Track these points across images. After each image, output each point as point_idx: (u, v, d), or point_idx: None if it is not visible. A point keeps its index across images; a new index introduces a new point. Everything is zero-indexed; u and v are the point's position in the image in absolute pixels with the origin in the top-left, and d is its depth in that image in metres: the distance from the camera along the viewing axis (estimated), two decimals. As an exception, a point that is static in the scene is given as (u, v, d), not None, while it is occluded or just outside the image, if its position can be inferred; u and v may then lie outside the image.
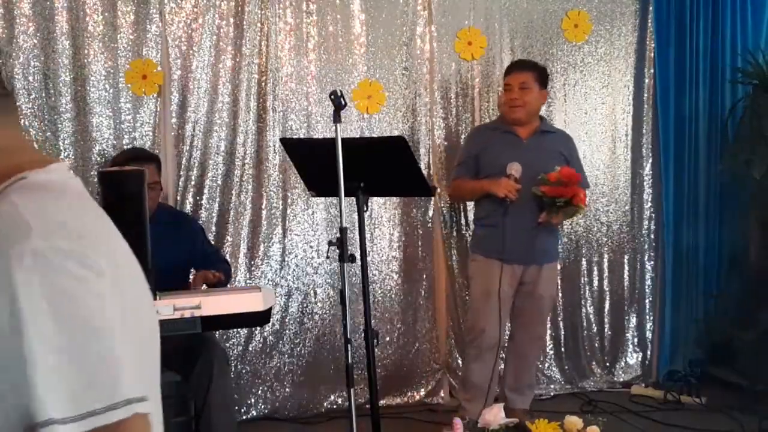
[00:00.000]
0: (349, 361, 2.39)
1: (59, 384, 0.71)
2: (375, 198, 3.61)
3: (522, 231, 3.17)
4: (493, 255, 3.22)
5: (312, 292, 3.70)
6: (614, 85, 4.03)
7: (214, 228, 3.54)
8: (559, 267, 3.87)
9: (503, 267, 3.17)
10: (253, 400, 3.60)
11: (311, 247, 3.69)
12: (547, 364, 3.99)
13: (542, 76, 3.34)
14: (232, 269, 3.47)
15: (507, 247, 3.12)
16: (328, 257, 3.59)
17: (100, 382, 0.74)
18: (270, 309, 2.46)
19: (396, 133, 3.67)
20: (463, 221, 3.85)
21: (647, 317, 4.14)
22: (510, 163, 3.13)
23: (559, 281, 4.00)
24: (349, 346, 2.39)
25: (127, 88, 3.40)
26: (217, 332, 3.33)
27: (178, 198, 3.49)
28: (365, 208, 2.57)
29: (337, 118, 2.37)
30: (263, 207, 3.62)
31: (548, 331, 3.99)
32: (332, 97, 2.38)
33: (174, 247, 2.88)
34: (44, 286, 0.70)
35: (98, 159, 3.37)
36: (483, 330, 3.25)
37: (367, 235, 3.57)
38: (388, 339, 3.78)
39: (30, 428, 0.70)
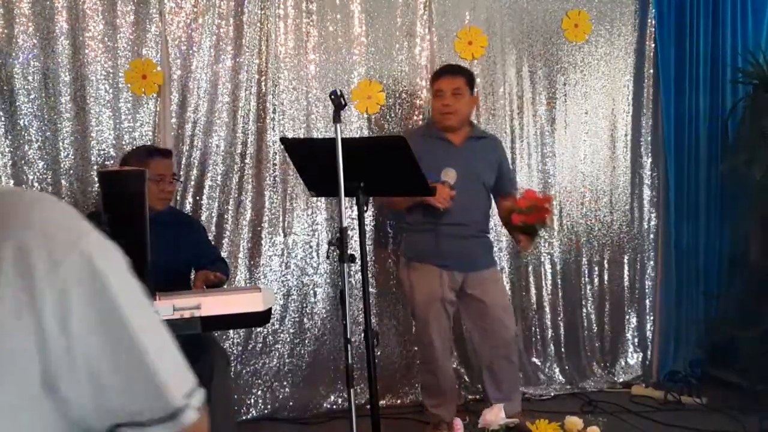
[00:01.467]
0: (349, 361, 2.38)
1: (172, 369, 0.75)
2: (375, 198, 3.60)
3: (457, 238, 3.16)
4: (430, 261, 3.19)
5: (312, 292, 3.70)
6: (614, 85, 4.03)
7: (214, 228, 3.54)
8: (501, 272, 3.80)
9: (442, 273, 3.16)
10: (253, 400, 3.59)
11: (311, 247, 3.69)
12: (547, 365, 3.99)
13: (472, 81, 3.31)
14: (233, 269, 3.48)
15: (444, 253, 3.13)
16: (328, 257, 3.58)
17: (182, 366, 0.78)
18: (270, 309, 2.46)
19: (395, 133, 3.67)
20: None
21: (647, 317, 4.14)
22: (445, 169, 3.04)
23: (559, 281, 4.01)
24: (349, 346, 2.39)
25: (127, 88, 3.40)
26: (217, 332, 3.33)
27: (178, 198, 3.48)
28: (365, 208, 2.57)
29: (337, 118, 2.37)
30: (263, 207, 3.62)
31: (549, 331, 3.99)
32: (332, 97, 2.37)
33: (176, 248, 2.88)
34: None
35: (98, 159, 3.37)
36: (432, 341, 3.20)
37: (367, 235, 3.58)
38: (388, 339, 3.77)
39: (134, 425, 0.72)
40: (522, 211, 3.06)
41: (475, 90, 3.39)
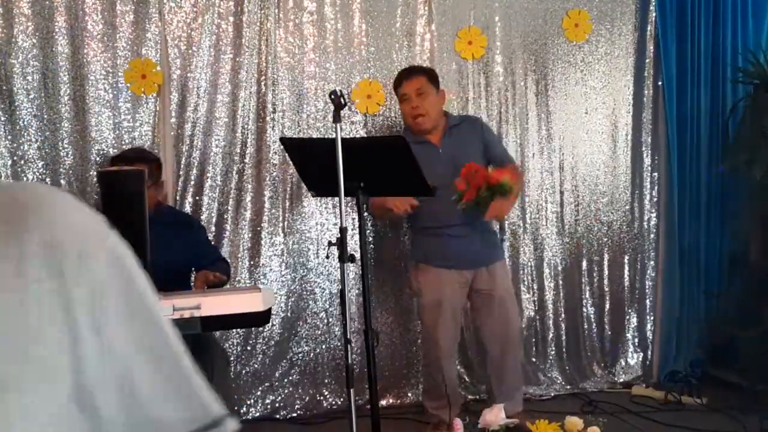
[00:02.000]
0: (349, 361, 2.38)
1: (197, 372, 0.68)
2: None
3: (462, 236, 3.16)
4: (438, 263, 3.20)
5: (312, 292, 3.70)
6: (614, 84, 4.03)
7: (214, 228, 3.53)
8: (507, 266, 3.74)
9: (452, 273, 3.17)
10: (253, 400, 3.59)
11: (311, 247, 3.69)
12: (547, 365, 3.98)
13: (434, 78, 3.29)
14: (232, 269, 3.47)
15: (450, 254, 3.13)
16: (328, 257, 3.59)
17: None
18: (270, 309, 2.45)
19: (396, 133, 3.67)
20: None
21: (648, 317, 4.13)
22: None
23: (559, 281, 4.01)
24: (349, 346, 2.39)
25: (127, 88, 3.39)
26: (217, 332, 3.32)
27: (178, 198, 3.48)
28: (365, 208, 2.56)
29: (337, 118, 2.37)
30: (263, 207, 3.61)
31: (550, 332, 3.99)
32: (332, 96, 2.37)
33: (176, 248, 2.87)
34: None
35: (97, 159, 3.37)
36: (438, 343, 3.20)
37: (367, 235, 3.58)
38: (387, 339, 3.77)
39: None
40: (462, 193, 2.93)
41: (440, 86, 3.34)
